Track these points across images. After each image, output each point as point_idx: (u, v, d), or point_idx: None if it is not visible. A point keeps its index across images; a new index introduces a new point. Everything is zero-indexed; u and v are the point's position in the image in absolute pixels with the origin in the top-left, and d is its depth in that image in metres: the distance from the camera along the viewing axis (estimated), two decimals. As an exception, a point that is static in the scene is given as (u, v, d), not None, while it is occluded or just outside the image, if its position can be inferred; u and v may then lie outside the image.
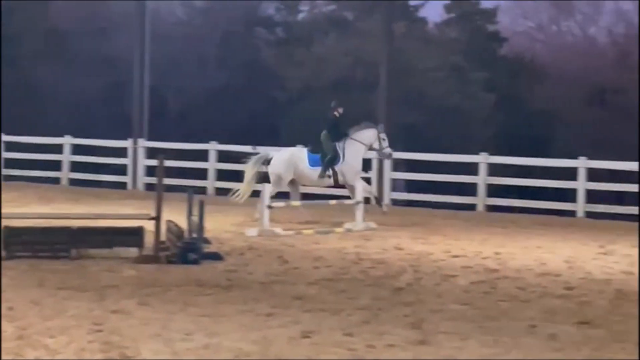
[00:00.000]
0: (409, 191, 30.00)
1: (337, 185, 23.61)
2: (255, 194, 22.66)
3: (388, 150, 23.32)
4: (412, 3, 43.45)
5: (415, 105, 37.49)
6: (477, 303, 13.33)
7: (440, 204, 27.08)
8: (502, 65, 43.85)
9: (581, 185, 25.59)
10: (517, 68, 43.82)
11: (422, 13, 44.63)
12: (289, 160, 23.06)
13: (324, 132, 23.00)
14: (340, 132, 23.05)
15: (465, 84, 41.71)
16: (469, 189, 27.34)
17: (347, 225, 21.57)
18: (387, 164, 27.06)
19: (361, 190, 22.30)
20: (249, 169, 23.35)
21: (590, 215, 25.36)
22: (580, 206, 25.54)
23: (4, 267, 15.18)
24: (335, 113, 23.15)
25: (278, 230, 20.46)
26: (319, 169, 22.86)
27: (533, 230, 22.09)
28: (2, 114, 35.43)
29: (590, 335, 11.41)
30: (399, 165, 29.08)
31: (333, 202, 23.04)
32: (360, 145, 23.06)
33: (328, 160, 22.78)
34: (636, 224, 22.43)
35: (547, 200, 26.19)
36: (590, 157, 26.25)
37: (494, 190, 27.40)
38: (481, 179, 26.69)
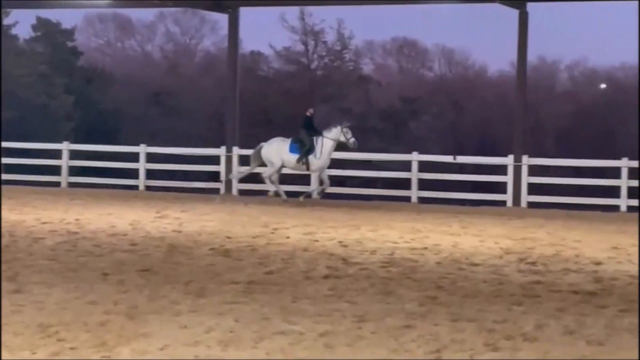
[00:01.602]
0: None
1: (308, 169, 22.89)
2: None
3: (352, 140, 22.55)
4: (5, 22, 41.71)
5: (10, 105, 36.03)
6: (61, 259, 13.02)
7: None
8: (80, 73, 43.41)
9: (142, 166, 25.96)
10: (92, 75, 43.53)
11: (14, 31, 43.13)
12: (276, 147, 22.94)
13: (302, 129, 22.78)
14: (315, 129, 22.78)
15: (51, 87, 40.83)
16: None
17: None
18: None
19: (324, 179, 22.71)
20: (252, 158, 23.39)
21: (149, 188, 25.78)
22: (141, 182, 25.92)
23: None
24: (308, 113, 23.03)
25: None
26: (296, 156, 22.60)
27: (106, 202, 21.94)
28: None
29: (149, 279, 11.46)
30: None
31: None
32: (330, 141, 22.57)
33: (305, 150, 22.52)
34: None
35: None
36: (149, 144, 26.77)
37: (76, 171, 27.23)
38: (64, 162, 26.26)
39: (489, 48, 48.64)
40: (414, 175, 23.99)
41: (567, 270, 12.97)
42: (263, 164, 23.11)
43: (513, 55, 25.16)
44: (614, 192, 23.24)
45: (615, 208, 22.79)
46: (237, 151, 25.65)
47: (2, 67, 34.64)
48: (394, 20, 48.01)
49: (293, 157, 22.57)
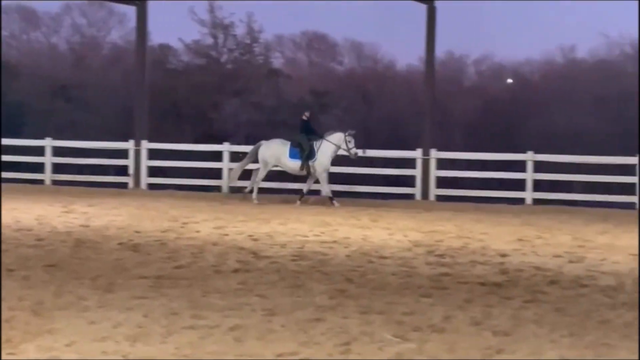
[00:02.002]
0: None
1: (308, 175, 22.51)
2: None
3: (354, 150, 22.14)
4: None
5: None
6: None
7: None
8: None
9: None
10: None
11: None
12: (274, 150, 22.56)
13: (299, 134, 22.43)
14: (314, 132, 22.50)
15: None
16: None
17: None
18: None
19: (325, 183, 22.40)
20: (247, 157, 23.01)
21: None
22: (47, 176, 25.48)
23: None
24: (304, 117, 22.61)
25: None
26: (297, 162, 22.24)
27: (11, 197, 21.46)
28: None
29: (56, 275, 11.27)
30: None
31: None
32: (331, 145, 22.24)
33: (305, 155, 22.16)
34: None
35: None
36: (56, 138, 26.42)
37: None
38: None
39: (398, 42, 49.06)
40: (324, 168, 24.09)
41: (474, 262, 13.18)
42: (257, 161, 22.82)
43: (422, 49, 25.49)
44: (519, 185, 23.70)
45: (521, 201, 23.26)
46: (145, 145, 25.39)
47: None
48: (303, 14, 48.09)
49: (294, 164, 22.35)
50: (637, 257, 13.91)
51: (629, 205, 22.40)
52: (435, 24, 24.47)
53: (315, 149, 22.09)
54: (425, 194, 23.76)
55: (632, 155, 23.05)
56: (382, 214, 19.48)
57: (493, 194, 23.84)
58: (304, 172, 22.35)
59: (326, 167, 22.21)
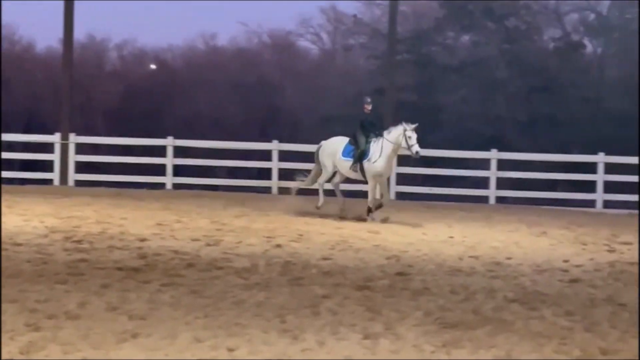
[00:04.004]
0: None
1: (365, 180, 18.19)
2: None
3: (416, 147, 17.47)
4: None
5: None
6: None
7: None
8: None
9: None
10: None
11: None
12: (330, 149, 18.52)
13: (359, 128, 18.13)
14: (374, 128, 18.15)
15: None
16: None
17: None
18: None
19: (371, 191, 18.05)
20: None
21: None
22: None
23: None
24: (365, 108, 18.18)
25: None
26: (349, 161, 18.12)
27: None
28: None
29: None
30: None
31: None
32: (389, 144, 17.73)
33: (357, 154, 17.97)
34: None
35: None
36: None
37: None
38: None
39: (37, 23, 47.49)
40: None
41: (112, 247, 13.12)
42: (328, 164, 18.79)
43: (61, 31, 24.86)
44: (161, 170, 23.83)
45: (162, 186, 23.45)
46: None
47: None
48: None
49: (345, 162, 18.23)
50: (269, 240, 14.57)
51: (265, 190, 23.30)
52: (73, 5, 23.97)
53: (371, 148, 17.90)
54: (64, 179, 23.25)
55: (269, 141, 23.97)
56: (18, 200, 18.78)
57: (134, 179, 23.82)
58: (356, 174, 18.21)
59: (381, 172, 17.91)
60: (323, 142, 18.86)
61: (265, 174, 23.79)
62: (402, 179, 22.66)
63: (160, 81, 39.30)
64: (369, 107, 18.10)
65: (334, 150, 18.41)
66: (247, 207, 19.36)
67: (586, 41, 38.02)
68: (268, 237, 14.86)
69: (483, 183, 22.72)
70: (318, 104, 36.32)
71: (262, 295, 10.28)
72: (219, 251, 13.27)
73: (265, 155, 23.68)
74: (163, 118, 35.31)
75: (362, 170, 17.92)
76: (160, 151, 24.23)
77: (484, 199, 22.39)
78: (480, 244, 15.12)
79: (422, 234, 16.01)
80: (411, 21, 37.20)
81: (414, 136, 17.41)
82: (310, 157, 23.80)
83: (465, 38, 37.64)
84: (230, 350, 8.09)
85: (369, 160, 17.77)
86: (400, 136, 17.51)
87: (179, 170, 24.25)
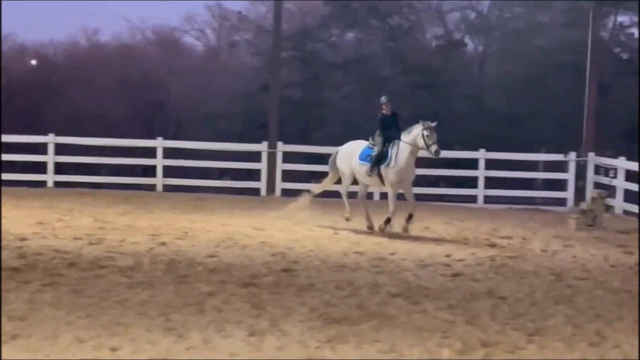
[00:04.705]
0: None
1: (384, 185, 16.51)
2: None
3: (435, 147, 15.79)
4: None
5: None
6: None
7: None
8: None
9: None
10: None
11: None
12: (347, 153, 16.98)
13: (378, 130, 16.47)
14: (390, 130, 16.35)
15: None
16: None
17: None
18: None
19: (391, 200, 16.28)
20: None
21: None
22: None
23: None
24: (383, 108, 16.54)
25: None
26: (367, 164, 16.42)
27: None
28: None
29: None
30: None
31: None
32: (407, 146, 16.07)
33: (374, 158, 16.30)
34: None
35: None
36: None
37: None
38: None
39: None
40: None
41: (-9, 247, 12.78)
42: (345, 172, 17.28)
43: None
44: (42, 168, 23.30)
45: (43, 184, 22.93)
46: None
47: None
48: None
49: (362, 167, 16.56)
50: (153, 238, 14.40)
51: (150, 187, 22.98)
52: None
53: (390, 152, 16.22)
54: None
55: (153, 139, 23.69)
56: None
57: (13, 177, 23.17)
58: (375, 180, 16.58)
59: (401, 178, 16.20)
60: (339, 148, 17.40)
61: (150, 171, 23.47)
62: (287, 176, 22.69)
63: (41, 77, 38.36)
64: (387, 106, 16.54)
65: (350, 153, 16.89)
66: (131, 205, 19.12)
67: (467, 39, 38.71)
68: (152, 235, 14.70)
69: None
70: (203, 101, 36.08)
71: (146, 293, 10.17)
72: (102, 250, 13.06)
73: (150, 153, 23.37)
74: (44, 115, 34.50)
75: (379, 175, 16.32)
76: (41, 149, 23.65)
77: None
78: (365, 239, 15.28)
79: (308, 230, 16.07)
80: (296, 18, 37.25)
81: (434, 135, 15.80)
82: (194, 154, 23.67)
83: (350, 35, 37.88)
84: (114, 350, 7.99)
85: (387, 165, 16.14)
86: (418, 136, 15.87)
87: (60, 168, 23.75)
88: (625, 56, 36.97)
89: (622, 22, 37.05)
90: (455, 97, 35.57)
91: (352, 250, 13.96)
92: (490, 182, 22.48)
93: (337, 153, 17.36)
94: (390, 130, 16.33)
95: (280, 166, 22.28)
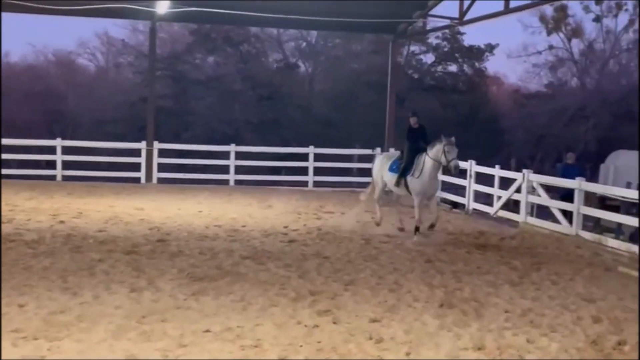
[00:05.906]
0: None
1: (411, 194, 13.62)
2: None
3: (455, 162, 12.75)
4: None
5: None
6: None
7: None
8: None
9: None
10: None
11: None
12: (379, 163, 14.44)
13: (406, 143, 13.80)
14: (417, 142, 13.57)
15: None
16: None
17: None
18: None
19: (416, 208, 13.35)
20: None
21: None
22: None
23: None
24: (411, 123, 13.77)
25: None
26: (395, 175, 13.75)
27: None
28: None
29: None
30: None
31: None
32: (430, 160, 13.18)
33: (402, 169, 13.62)
34: None
35: None
36: None
37: None
38: None
39: None
40: None
41: None
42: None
43: None
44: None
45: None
46: None
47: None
48: None
49: (391, 177, 13.94)
50: (54, 217, 13.88)
51: (51, 177, 22.09)
52: None
53: (415, 164, 13.50)
54: None
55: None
56: None
57: None
58: (402, 189, 13.79)
59: (426, 189, 13.39)
60: (377, 156, 15.11)
61: (51, 165, 22.55)
62: (162, 168, 22.25)
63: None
64: (414, 120, 13.80)
65: (382, 164, 14.43)
66: (35, 192, 18.33)
67: (300, 62, 39.02)
68: (53, 215, 14.17)
69: (225, 169, 22.74)
70: (94, 109, 35.02)
71: (48, 261, 9.82)
72: (12, 227, 12.49)
73: (52, 150, 22.46)
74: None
75: (406, 185, 13.66)
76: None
77: (225, 182, 22.40)
78: (223, 216, 15.19)
79: (178, 210, 15.85)
80: (168, 45, 36.60)
81: (454, 151, 12.89)
82: (88, 151, 22.89)
83: (210, 59, 37.53)
84: (21, 306, 7.69)
85: (412, 175, 13.48)
86: (439, 152, 13.04)
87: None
88: (416, 76, 38.18)
89: (414, 50, 38.28)
90: (291, 106, 35.88)
91: (213, 224, 13.87)
92: (318, 171, 22.71)
93: (374, 162, 14.90)
94: (417, 142, 13.66)
95: (156, 160, 21.80)
